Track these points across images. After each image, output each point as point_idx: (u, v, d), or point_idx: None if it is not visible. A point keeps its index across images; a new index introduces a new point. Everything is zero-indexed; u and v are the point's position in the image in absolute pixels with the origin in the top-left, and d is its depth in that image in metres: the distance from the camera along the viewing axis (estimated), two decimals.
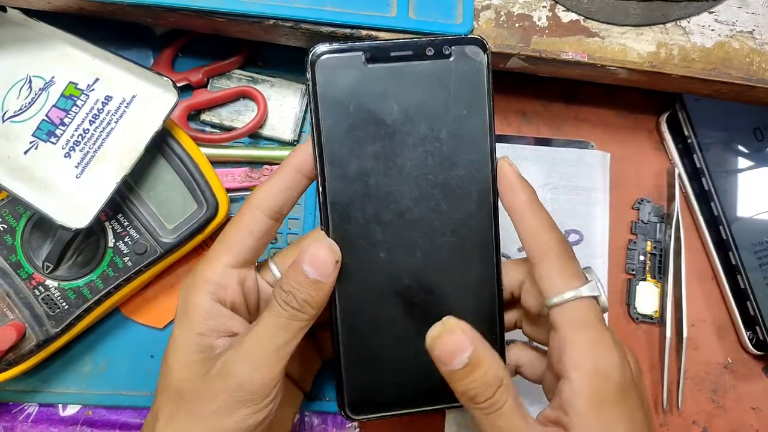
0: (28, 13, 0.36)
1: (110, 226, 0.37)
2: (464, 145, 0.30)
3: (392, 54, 0.29)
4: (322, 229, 0.30)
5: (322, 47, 0.29)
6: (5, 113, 0.36)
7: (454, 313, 0.29)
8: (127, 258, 0.37)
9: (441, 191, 0.30)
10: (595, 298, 0.28)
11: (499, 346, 0.32)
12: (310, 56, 0.29)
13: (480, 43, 0.29)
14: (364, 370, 0.31)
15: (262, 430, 0.29)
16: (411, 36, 0.36)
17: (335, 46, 0.29)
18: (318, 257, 0.29)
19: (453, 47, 0.29)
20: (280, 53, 0.42)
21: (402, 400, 0.32)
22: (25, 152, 0.35)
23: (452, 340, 0.27)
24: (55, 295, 0.36)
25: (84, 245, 0.37)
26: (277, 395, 0.29)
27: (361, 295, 0.30)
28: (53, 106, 0.36)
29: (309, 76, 0.29)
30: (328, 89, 0.29)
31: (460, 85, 0.29)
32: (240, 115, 0.43)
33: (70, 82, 0.36)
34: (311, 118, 0.29)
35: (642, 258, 0.45)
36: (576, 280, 0.28)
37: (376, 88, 0.29)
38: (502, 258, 0.42)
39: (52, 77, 0.36)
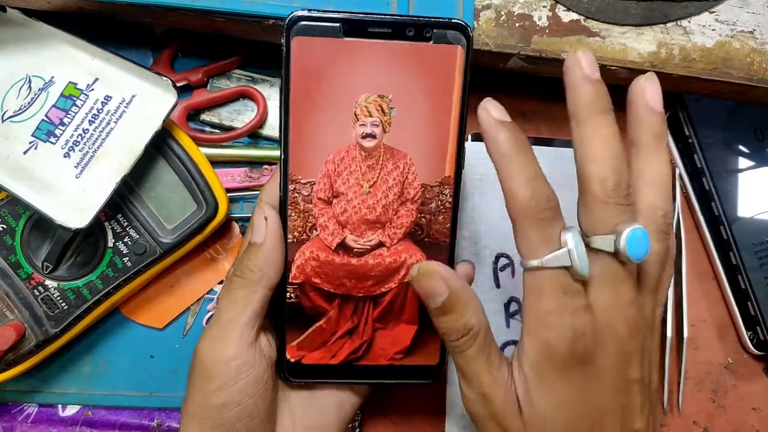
0: (28, 12, 0.36)
1: (110, 227, 0.37)
2: (433, 132, 0.30)
3: (370, 30, 0.28)
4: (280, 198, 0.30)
5: (300, 12, 0.28)
6: (5, 113, 0.36)
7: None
8: (127, 258, 0.37)
9: (402, 175, 0.30)
10: (565, 267, 0.26)
11: None
12: (287, 20, 0.28)
13: (462, 28, 0.29)
14: (305, 340, 0.32)
15: (242, 411, 0.29)
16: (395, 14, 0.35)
17: (315, 13, 0.28)
18: (253, 221, 0.30)
19: (434, 30, 0.29)
20: (280, 53, 0.42)
21: (335, 370, 0.33)
22: (25, 152, 0.35)
23: (428, 285, 0.28)
24: (55, 296, 0.36)
25: (83, 245, 0.37)
26: (240, 374, 0.29)
27: (309, 266, 0.31)
28: (53, 106, 0.36)
29: (284, 41, 0.28)
30: (302, 57, 0.29)
31: (436, 70, 0.29)
32: (240, 115, 0.43)
33: (70, 82, 0.36)
34: (281, 83, 0.29)
35: None
36: (543, 246, 0.26)
37: (350, 62, 0.29)
38: (502, 258, 0.42)
39: (52, 77, 0.36)
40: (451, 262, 0.32)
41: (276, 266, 0.30)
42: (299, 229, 0.31)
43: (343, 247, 0.31)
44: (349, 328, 0.32)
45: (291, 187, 0.30)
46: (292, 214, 0.30)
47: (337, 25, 0.28)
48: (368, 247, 0.31)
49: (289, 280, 0.31)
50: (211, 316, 0.42)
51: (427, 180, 0.31)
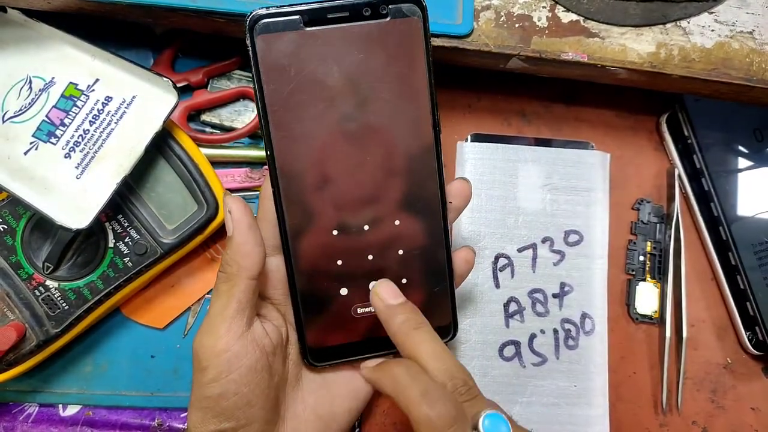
0: (28, 13, 0.36)
1: (110, 227, 0.37)
2: (406, 103, 0.31)
3: (330, 16, 0.29)
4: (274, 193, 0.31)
5: (259, 11, 0.29)
6: (5, 114, 0.36)
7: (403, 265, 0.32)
8: (128, 258, 0.37)
9: (385, 150, 0.31)
10: None
11: (451, 305, 0.34)
12: (248, 21, 0.29)
13: (415, 0, 0.30)
14: (322, 323, 0.33)
15: (240, 399, 0.29)
16: None
17: (273, 10, 0.29)
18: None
19: (390, 6, 0.29)
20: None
21: (357, 347, 0.33)
22: (26, 153, 0.35)
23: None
24: (56, 296, 0.36)
25: (84, 246, 0.37)
26: (232, 365, 0.29)
27: (312, 253, 0.32)
28: (53, 106, 0.36)
29: (248, 42, 0.29)
30: (268, 54, 0.29)
31: (398, 44, 0.30)
32: (240, 116, 0.43)
33: (70, 83, 0.36)
34: (254, 83, 0.30)
35: (642, 258, 0.45)
36: None
37: (316, 51, 0.29)
38: (501, 258, 0.43)
39: (52, 78, 0.36)
40: (445, 227, 0.33)
41: (250, 256, 0.30)
42: (297, 218, 0.31)
43: (342, 230, 0.32)
44: (362, 304, 0.33)
45: (282, 179, 0.31)
46: (288, 206, 0.31)
47: (297, 17, 0.29)
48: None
49: (297, 269, 0.32)
50: None
51: (412, 149, 0.31)
